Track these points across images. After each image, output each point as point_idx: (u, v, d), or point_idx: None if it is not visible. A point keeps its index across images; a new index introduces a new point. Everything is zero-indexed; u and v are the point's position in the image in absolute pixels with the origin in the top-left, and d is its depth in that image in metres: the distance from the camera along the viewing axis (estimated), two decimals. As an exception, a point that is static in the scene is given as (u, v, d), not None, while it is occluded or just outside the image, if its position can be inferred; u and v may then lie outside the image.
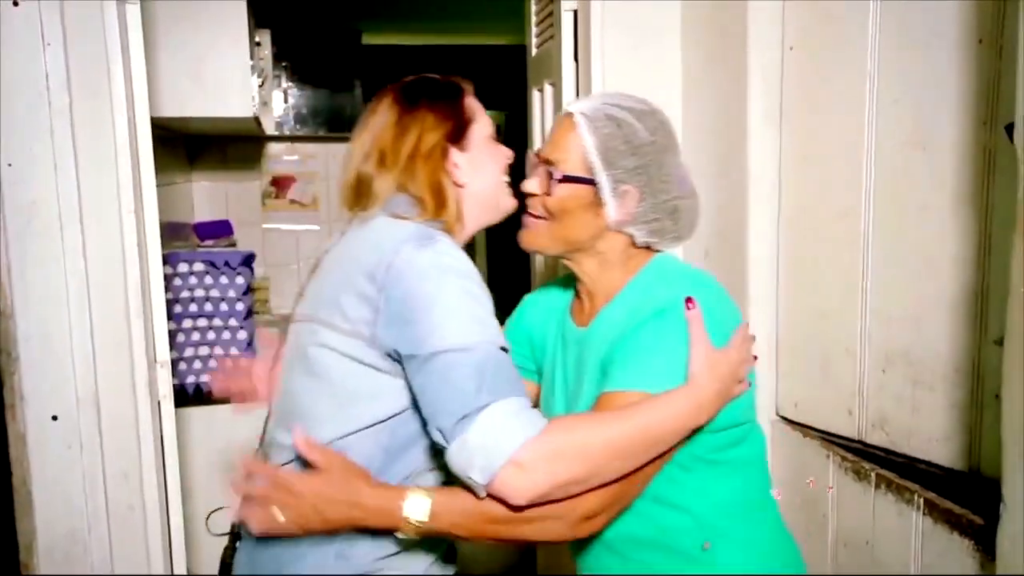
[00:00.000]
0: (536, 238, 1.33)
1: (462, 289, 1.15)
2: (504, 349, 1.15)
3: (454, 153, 1.30)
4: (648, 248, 1.33)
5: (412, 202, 1.28)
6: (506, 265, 8.82)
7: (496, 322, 1.17)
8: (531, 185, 1.32)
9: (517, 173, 1.38)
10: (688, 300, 1.18)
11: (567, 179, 1.27)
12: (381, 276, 1.15)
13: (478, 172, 1.32)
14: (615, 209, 1.26)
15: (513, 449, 1.05)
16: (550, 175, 1.28)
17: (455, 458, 1.09)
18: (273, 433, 1.31)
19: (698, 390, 1.16)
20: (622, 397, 1.17)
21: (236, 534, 1.39)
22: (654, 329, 1.20)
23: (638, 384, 1.17)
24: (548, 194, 1.28)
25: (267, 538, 1.19)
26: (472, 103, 1.35)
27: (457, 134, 1.31)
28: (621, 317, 1.26)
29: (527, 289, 2.92)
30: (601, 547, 1.32)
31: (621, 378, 1.18)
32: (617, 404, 1.17)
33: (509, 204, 1.38)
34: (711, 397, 1.17)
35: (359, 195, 1.32)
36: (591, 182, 1.26)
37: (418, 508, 1.11)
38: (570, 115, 1.29)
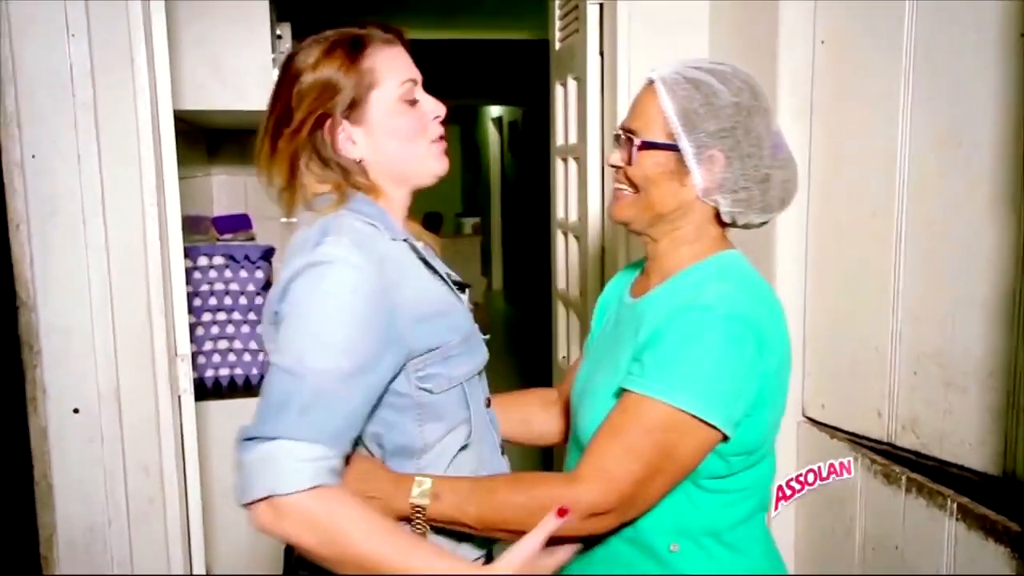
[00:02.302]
0: (623, 210, 1.27)
1: (336, 308, 1.06)
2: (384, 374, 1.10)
3: (343, 127, 1.16)
4: (726, 227, 1.27)
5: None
6: (523, 260, 8.81)
7: (373, 346, 1.07)
8: (614, 157, 1.27)
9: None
10: (560, 511, 1.10)
11: (646, 145, 1.21)
12: (276, 299, 1.10)
13: (381, 145, 1.18)
14: (700, 176, 1.20)
15: (273, 492, 1.00)
16: (631, 143, 1.23)
17: (236, 463, 1.05)
18: None
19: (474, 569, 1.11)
20: (642, 403, 1.13)
21: None
22: (691, 327, 1.14)
23: (659, 392, 1.12)
24: (630, 163, 1.23)
25: None
26: (375, 62, 1.17)
27: (347, 106, 1.15)
28: (668, 300, 1.22)
29: (547, 284, 2.92)
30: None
31: (645, 379, 1.14)
32: (634, 408, 1.13)
33: (436, 168, 1.23)
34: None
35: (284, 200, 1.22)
36: (673, 147, 1.20)
37: (421, 490, 1.12)
38: (650, 82, 1.24)
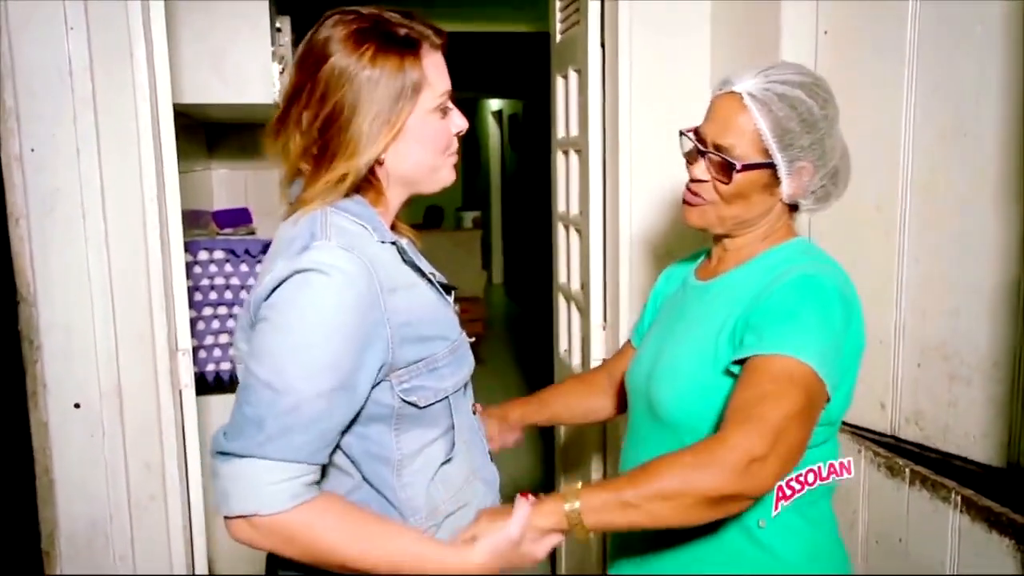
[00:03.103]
0: (703, 217, 1.31)
1: (321, 322, 1.02)
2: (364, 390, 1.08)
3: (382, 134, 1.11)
4: (791, 211, 1.33)
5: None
6: (524, 254, 8.80)
7: (356, 360, 1.05)
8: (700, 172, 1.28)
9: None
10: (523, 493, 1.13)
11: (747, 167, 1.24)
12: (259, 300, 1.07)
13: (406, 148, 1.14)
14: (790, 186, 1.26)
15: (252, 513, 1.01)
16: (723, 162, 1.24)
17: (213, 471, 1.05)
18: None
19: (459, 560, 1.09)
20: (787, 363, 1.13)
21: None
22: (804, 293, 1.19)
23: (784, 348, 1.13)
24: (725, 182, 1.25)
25: None
26: (423, 69, 1.12)
27: (384, 105, 1.10)
28: (757, 277, 1.26)
29: (548, 278, 2.91)
30: None
31: (782, 341, 1.15)
32: (764, 367, 1.14)
33: (446, 181, 1.22)
34: (468, 569, 1.09)
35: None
36: (769, 165, 1.24)
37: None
38: (736, 95, 1.24)
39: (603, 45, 2.20)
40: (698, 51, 2.12)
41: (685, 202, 1.33)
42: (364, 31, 1.09)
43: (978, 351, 1.45)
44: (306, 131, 1.11)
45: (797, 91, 1.22)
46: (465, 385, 1.24)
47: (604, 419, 1.67)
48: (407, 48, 1.10)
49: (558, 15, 2.58)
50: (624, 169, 2.12)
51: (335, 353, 1.03)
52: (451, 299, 1.26)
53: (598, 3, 2.19)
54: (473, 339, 1.30)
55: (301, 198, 1.14)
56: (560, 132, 2.62)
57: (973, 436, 1.47)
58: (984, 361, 1.45)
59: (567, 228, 2.62)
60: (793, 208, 1.32)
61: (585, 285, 2.35)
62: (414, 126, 1.13)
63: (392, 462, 1.14)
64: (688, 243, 2.19)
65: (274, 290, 1.05)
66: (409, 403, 1.12)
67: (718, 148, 1.25)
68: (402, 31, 1.11)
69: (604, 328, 2.28)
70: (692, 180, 1.30)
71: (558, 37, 2.61)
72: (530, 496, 1.21)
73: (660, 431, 1.30)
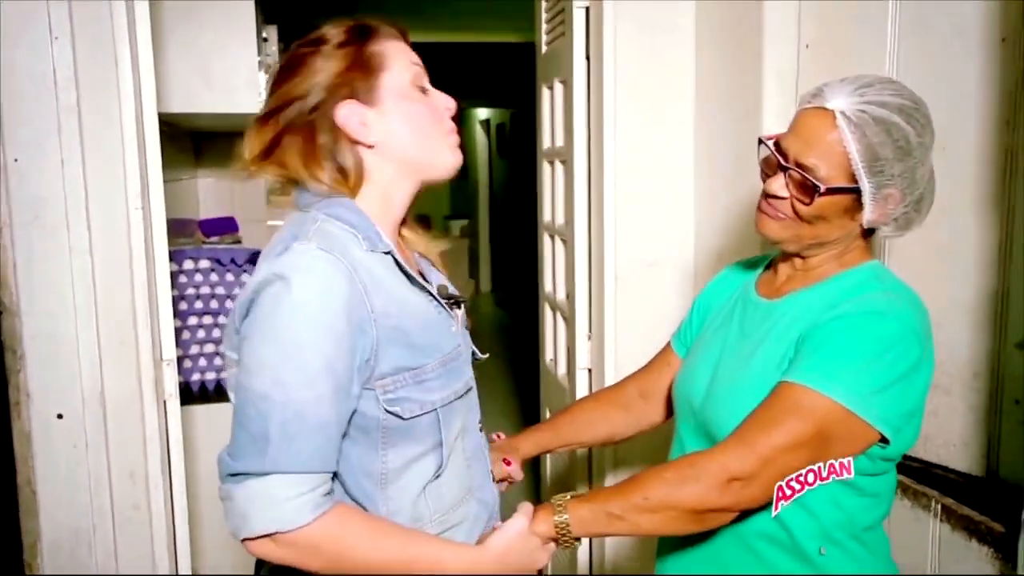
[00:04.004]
0: (778, 231, 1.23)
1: (306, 325, 1.01)
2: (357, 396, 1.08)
3: (355, 108, 1.11)
4: (867, 234, 1.26)
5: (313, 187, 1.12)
6: (512, 263, 8.81)
7: (348, 361, 1.04)
8: (778, 188, 1.21)
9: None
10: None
11: (831, 191, 1.16)
12: (240, 308, 1.06)
13: (395, 130, 1.13)
14: (873, 212, 1.18)
15: (275, 530, 1.01)
16: (805, 181, 1.17)
17: (221, 497, 1.04)
18: None
19: (482, 560, 1.12)
20: (804, 394, 1.12)
21: None
22: (861, 328, 1.14)
23: (818, 384, 1.11)
24: (806, 203, 1.18)
25: None
26: (383, 48, 1.14)
27: (355, 86, 1.11)
28: (825, 302, 1.20)
29: (536, 287, 2.92)
30: (731, 536, 1.26)
31: (810, 373, 1.13)
32: (795, 399, 1.12)
33: (451, 161, 1.19)
34: (490, 569, 1.12)
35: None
36: (855, 191, 1.16)
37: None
38: (827, 112, 1.16)
39: (588, 56, 2.22)
40: (683, 62, 2.14)
41: (761, 211, 1.25)
42: (323, 32, 1.14)
43: (958, 361, 1.47)
44: (291, 133, 1.12)
45: (895, 116, 1.14)
46: (462, 397, 1.21)
47: (631, 436, 1.59)
48: (362, 34, 1.14)
49: (544, 26, 2.60)
50: (609, 180, 2.13)
51: (327, 355, 1.02)
52: (459, 312, 1.24)
53: (583, 14, 2.20)
54: (487, 355, 1.27)
55: (302, 202, 1.14)
56: (546, 142, 2.63)
57: (953, 445, 1.48)
58: (964, 371, 1.46)
59: (553, 238, 2.63)
60: (869, 231, 1.24)
61: (570, 295, 2.36)
62: (392, 104, 1.13)
63: (376, 475, 1.13)
64: (673, 254, 2.20)
65: (255, 295, 1.04)
66: (392, 413, 1.10)
67: (801, 166, 1.17)
68: (354, 23, 1.15)
69: (589, 338, 2.29)
70: (768, 196, 1.23)
71: (544, 48, 2.62)
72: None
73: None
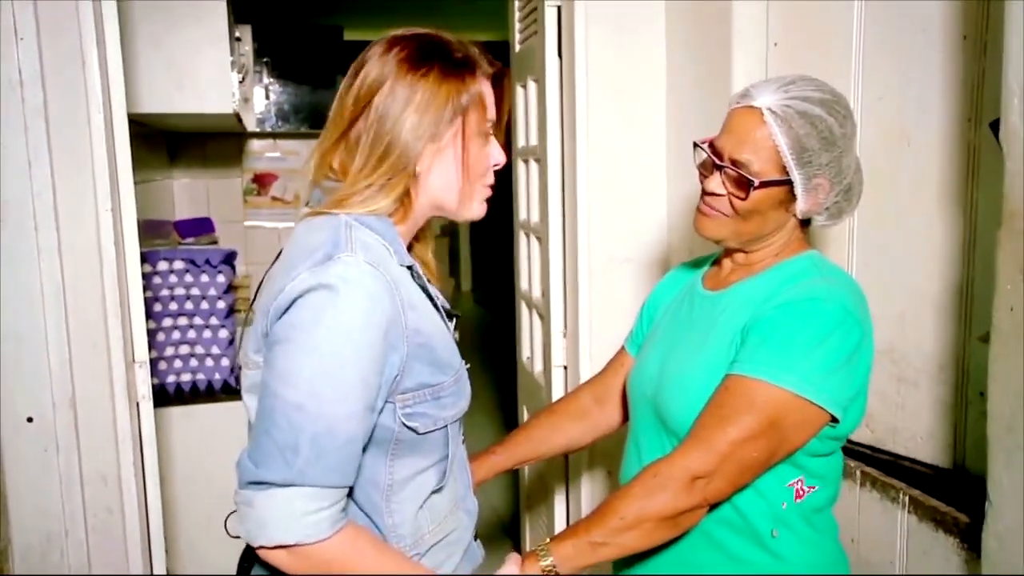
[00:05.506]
0: (717, 229, 1.29)
1: (350, 343, 1.01)
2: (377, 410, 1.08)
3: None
4: (803, 225, 1.32)
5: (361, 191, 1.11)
6: (492, 261, 8.80)
7: (378, 380, 1.04)
8: (716, 186, 1.27)
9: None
10: None
11: (764, 184, 1.22)
12: (278, 311, 1.05)
13: (443, 167, 1.14)
14: (805, 202, 1.25)
15: (293, 541, 1.01)
16: (740, 177, 1.23)
17: (238, 501, 1.04)
18: None
19: None
20: (755, 387, 1.17)
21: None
22: (803, 315, 1.20)
23: (768, 375, 1.16)
24: (741, 198, 1.24)
25: None
26: (477, 88, 1.14)
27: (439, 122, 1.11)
28: (767, 291, 1.26)
29: (511, 280, 2.92)
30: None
31: (760, 365, 1.17)
32: (748, 392, 1.17)
33: (475, 213, 1.20)
34: None
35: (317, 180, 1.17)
36: (787, 183, 1.23)
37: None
38: (755, 110, 1.23)
39: (560, 55, 2.22)
40: (654, 61, 2.15)
41: (699, 212, 1.31)
42: (426, 52, 1.12)
43: (924, 354, 1.49)
44: (358, 145, 1.11)
45: (817, 108, 1.21)
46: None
47: (590, 443, 1.63)
48: (466, 68, 1.13)
49: (517, 25, 2.60)
50: (582, 178, 2.14)
51: (364, 371, 1.02)
52: (453, 325, 1.25)
53: (555, 13, 2.21)
54: (468, 366, 1.27)
55: (337, 198, 1.11)
56: (520, 141, 2.63)
57: (920, 437, 1.50)
58: (930, 364, 1.48)
59: (528, 236, 2.63)
60: (805, 222, 1.31)
61: (546, 292, 2.36)
62: (457, 144, 1.13)
63: (382, 486, 1.14)
64: (647, 250, 2.22)
65: (294, 301, 1.02)
66: (409, 428, 1.11)
67: (735, 163, 1.24)
68: (458, 54, 1.14)
69: (564, 335, 2.29)
70: (706, 194, 1.29)
71: (517, 47, 2.63)
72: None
73: (668, 440, 1.31)
